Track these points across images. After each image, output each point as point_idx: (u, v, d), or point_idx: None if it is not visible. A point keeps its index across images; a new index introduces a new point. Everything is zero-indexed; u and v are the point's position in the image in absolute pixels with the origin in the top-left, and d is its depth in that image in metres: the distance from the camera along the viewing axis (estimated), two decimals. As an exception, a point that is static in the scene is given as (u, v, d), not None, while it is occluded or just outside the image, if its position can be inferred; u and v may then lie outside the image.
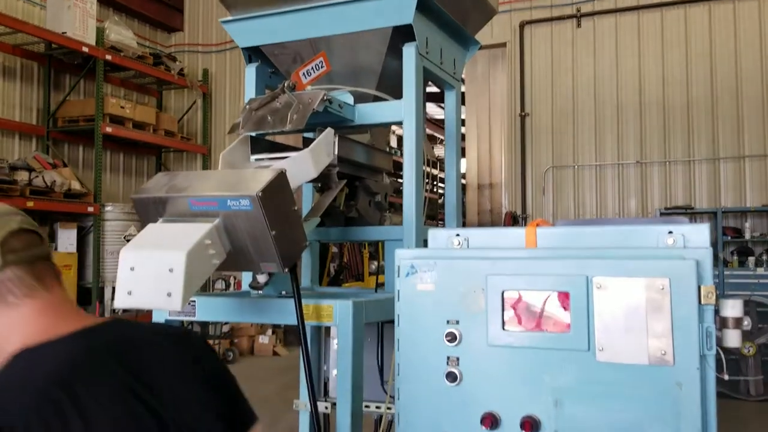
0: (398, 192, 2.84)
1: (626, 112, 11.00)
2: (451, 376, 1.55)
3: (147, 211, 2.18)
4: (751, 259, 9.93)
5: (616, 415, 1.40)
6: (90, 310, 10.72)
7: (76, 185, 10.45)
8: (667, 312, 1.36)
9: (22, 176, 9.74)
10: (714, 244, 9.92)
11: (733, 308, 1.39)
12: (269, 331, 12.58)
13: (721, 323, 1.41)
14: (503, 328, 1.51)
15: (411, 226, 2.59)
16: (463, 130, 13.57)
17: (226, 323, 12.34)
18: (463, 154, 13.51)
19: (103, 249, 10.93)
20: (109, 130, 10.67)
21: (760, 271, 9.60)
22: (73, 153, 11.71)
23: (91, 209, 10.58)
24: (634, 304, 1.39)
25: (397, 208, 2.99)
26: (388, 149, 3.50)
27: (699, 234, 1.54)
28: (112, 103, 10.88)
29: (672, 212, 10.26)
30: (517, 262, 1.52)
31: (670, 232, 1.55)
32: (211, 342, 11.10)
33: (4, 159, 9.90)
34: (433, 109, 16.90)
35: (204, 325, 12.12)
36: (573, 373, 1.44)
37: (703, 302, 1.35)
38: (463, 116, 13.29)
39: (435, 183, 21.86)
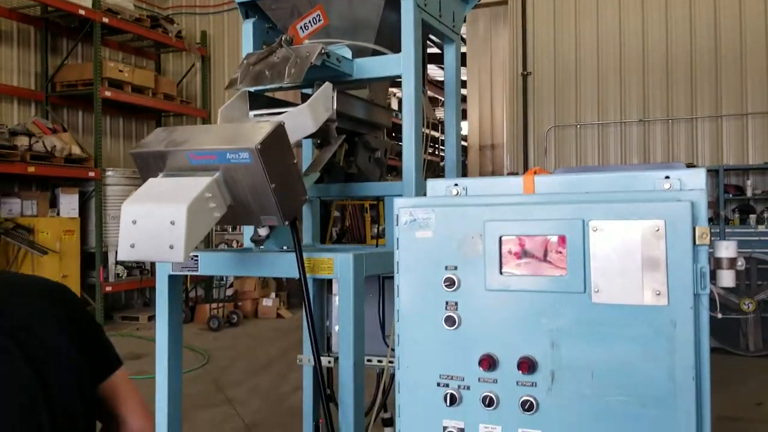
0: (399, 155, 2.85)
1: (629, 70, 10.90)
2: (450, 321, 1.58)
3: (147, 166, 2.20)
4: (753, 217, 9.94)
5: (611, 354, 1.43)
6: (94, 274, 10.81)
7: (76, 150, 10.45)
8: (662, 253, 1.38)
9: (22, 141, 9.73)
10: (716, 202, 9.93)
11: (727, 249, 1.41)
12: (273, 294, 12.69)
13: (716, 264, 1.42)
14: (501, 273, 1.53)
15: (411, 179, 2.60)
16: (464, 91, 13.51)
17: (230, 287, 12.46)
18: (465, 116, 13.44)
19: (105, 214, 10.98)
20: (108, 94, 10.62)
21: (761, 228, 9.61)
22: (72, 118, 11.68)
23: (92, 174, 10.59)
24: (629, 246, 1.41)
25: (399, 172, 2.99)
26: (388, 107, 3.49)
27: (695, 177, 1.55)
28: (110, 66, 10.81)
29: (674, 170, 10.22)
30: (515, 207, 1.53)
31: (667, 177, 1.56)
32: (215, 305, 11.22)
33: (3, 124, 9.88)
34: (434, 71, 16.77)
35: (208, 289, 12.26)
36: (569, 315, 1.47)
37: (697, 243, 1.37)
38: (464, 77, 13.19)
39: (436, 146, 21.79)
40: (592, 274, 1.44)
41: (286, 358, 8.60)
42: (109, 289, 11.00)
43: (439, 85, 17.25)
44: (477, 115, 12.54)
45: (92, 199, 10.92)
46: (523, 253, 1.50)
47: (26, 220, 10.02)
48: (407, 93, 2.65)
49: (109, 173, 11.10)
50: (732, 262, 1.40)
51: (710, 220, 10.04)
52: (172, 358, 2.55)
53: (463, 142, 14.45)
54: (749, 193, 10.19)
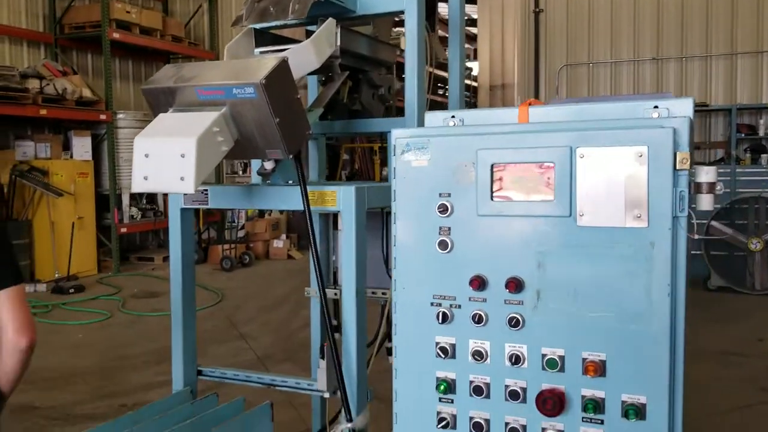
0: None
1: (643, 6, 10.70)
2: (443, 245, 1.67)
3: (157, 102, 2.27)
4: (764, 157, 9.89)
5: (593, 274, 1.52)
6: (109, 216, 10.99)
7: (87, 93, 10.49)
8: (644, 178, 1.45)
9: (33, 84, 9.77)
10: (728, 142, 9.90)
11: (707, 174, 1.48)
12: (283, 236, 12.89)
13: (696, 188, 1.50)
14: (492, 199, 1.61)
15: (413, 113, 2.66)
16: (474, 30, 13.23)
17: (241, 228, 12.66)
18: (476, 56, 13.28)
19: (118, 156, 11.09)
20: (116, 36, 10.58)
21: (772, 168, 9.60)
22: (81, 60, 11.67)
23: (103, 117, 10.66)
24: (614, 171, 1.48)
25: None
26: (396, 45, 3.50)
27: (683, 106, 1.62)
28: (117, 7, 10.73)
29: (685, 110, 10.17)
30: (506, 136, 1.60)
31: (656, 106, 1.63)
32: (227, 246, 11.41)
33: (14, 67, 9.90)
34: (445, 10, 16.47)
35: (220, 231, 12.45)
36: (555, 238, 1.55)
37: (678, 168, 1.44)
38: (474, 16, 12.95)
39: (446, 87, 21.51)
40: (577, 199, 1.52)
41: (297, 296, 8.81)
42: (124, 230, 11.20)
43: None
44: (487, 54, 12.40)
45: (104, 142, 11.01)
46: (513, 180, 1.58)
47: (41, 162, 10.16)
48: (410, 28, 2.68)
49: (120, 116, 11.16)
50: (711, 186, 1.48)
51: (721, 159, 10.02)
52: (185, 288, 2.68)
53: (473, 83, 14.29)
54: (761, 133, 10.12)
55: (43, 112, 9.70)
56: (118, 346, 6.93)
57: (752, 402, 5.05)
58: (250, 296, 9.26)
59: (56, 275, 9.84)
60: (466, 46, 17.71)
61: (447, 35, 3.37)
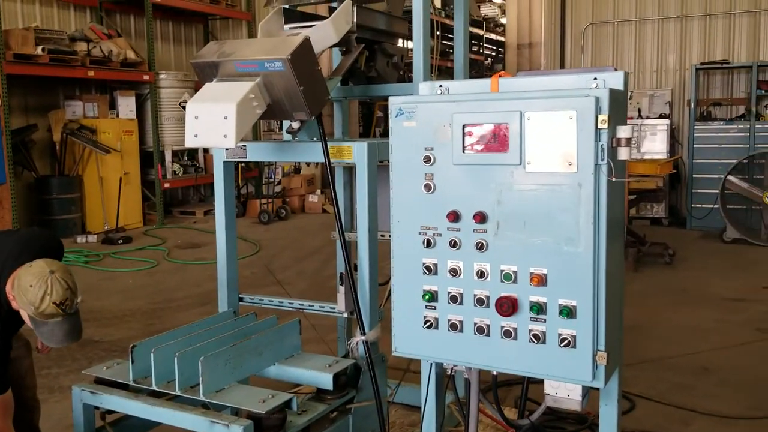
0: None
1: (668, -37, 10.77)
2: (428, 187, 2.16)
3: (204, 73, 2.78)
4: (785, 113, 10.04)
5: (537, 208, 1.99)
6: (153, 172, 11.65)
7: (131, 54, 11.05)
8: (574, 135, 1.91)
9: (81, 47, 10.35)
10: (748, 98, 10.06)
11: (624, 131, 1.93)
12: (318, 191, 13.45)
13: (617, 142, 1.95)
14: (463, 151, 2.09)
15: (419, 80, 3.11)
16: (503, -13, 13.24)
17: (278, 184, 13.24)
18: (504, 13, 13.44)
19: (161, 115, 11.68)
20: (157, -1, 11.08)
21: (793, 125, 9.76)
22: (125, 23, 12.22)
23: (146, 77, 11.23)
24: (552, 130, 1.94)
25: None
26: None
27: (616, 79, 2.07)
28: (158, -28, 11.20)
29: (707, 67, 10.33)
30: (475, 103, 2.06)
31: (595, 78, 2.08)
32: (264, 201, 11.98)
33: (63, 31, 10.49)
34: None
35: (257, 186, 13.06)
36: (510, 181, 2.03)
37: (599, 127, 1.89)
38: (503, -26, 13.01)
39: (481, 44, 21.61)
40: (526, 151, 1.99)
41: (330, 247, 9.31)
42: (167, 185, 11.86)
43: (480, -18, 16.99)
44: (515, 13, 12.59)
45: (147, 101, 11.61)
46: (479, 137, 2.05)
47: (89, 121, 10.81)
48: (416, 8, 3.12)
49: (162, 76, 11.72)
50: (628, 141, 1.93)
51: (742, 116, 10.20)
52: (228, 228, 3.23)
53: (501, 38, 14.45)
54: (783, 89, 10.23)
55: (91, 73, 10.30)
56: (164, 290, 7.61)
57: (746, 341, 5.47)
58: (286, 247, 9.87)
59: (105, 227, 10.58)
60: (498, 1, 17.76)
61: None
